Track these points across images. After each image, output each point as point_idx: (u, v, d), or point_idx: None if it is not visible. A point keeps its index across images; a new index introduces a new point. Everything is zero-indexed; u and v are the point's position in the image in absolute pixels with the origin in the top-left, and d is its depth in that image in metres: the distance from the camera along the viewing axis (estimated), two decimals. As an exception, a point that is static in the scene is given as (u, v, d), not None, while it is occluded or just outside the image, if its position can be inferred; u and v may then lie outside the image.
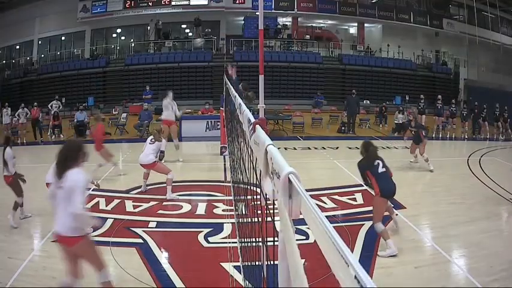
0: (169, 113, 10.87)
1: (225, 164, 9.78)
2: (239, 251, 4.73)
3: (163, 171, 7.60)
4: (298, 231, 2.65)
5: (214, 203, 7.27)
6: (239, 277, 4.54)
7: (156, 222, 6.41)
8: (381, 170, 5.61)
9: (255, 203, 2.62)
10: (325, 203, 7.36)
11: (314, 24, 25.99)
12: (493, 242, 5.67)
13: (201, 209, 7.08)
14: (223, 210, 6.91)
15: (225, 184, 8.22)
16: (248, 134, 2.38)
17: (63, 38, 24.85)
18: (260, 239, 2.35)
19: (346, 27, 26.77)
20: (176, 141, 10.88)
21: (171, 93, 11.20)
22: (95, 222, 4.09)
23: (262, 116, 3.07)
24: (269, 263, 2.19)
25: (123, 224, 6.31)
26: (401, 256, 5.27)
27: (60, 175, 3.71)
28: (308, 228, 1.22)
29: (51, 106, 16.54)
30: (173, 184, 7.61)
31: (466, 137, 15.73)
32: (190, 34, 24.63)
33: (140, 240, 5.74)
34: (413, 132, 10.19)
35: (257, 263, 2.67)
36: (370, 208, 7.04)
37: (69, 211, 3.57)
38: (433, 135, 15.68)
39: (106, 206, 7.23)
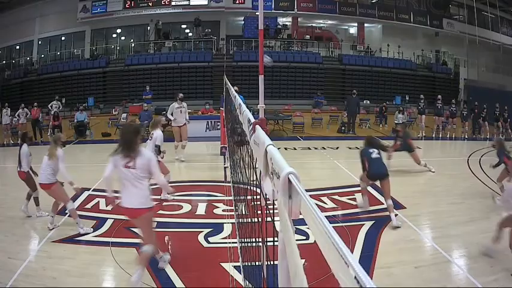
0: (181, 119, 10.78)
1: (224, 164, 9.78)
2: (239, 251, 4.73)
3: (162, 172, 7.49)
4: (298, 232, 2.65)
5: (214, 203, 7.27)
6: (239, 277, 4.54)
7: (156, 222, 6.40)
8: (375, 155, 6.63)
9: (255, 203, 2.62)
10: (325, 203, 7.36)
11: (314, 24, 25.99)
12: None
13: (201, 209, 7.08)
14: (223, 210, 6.92)
15: (225, 184, 8.21)
16: (248, 134, 2.38)
17: (63, 38, 24.85)
18: (260, 239, 2.35)
19: (346, 27, 26.77)
20: (185, 142, 10.75)
21: (182, 95, 11.10)
22: (173, 190, 5.41)
23: (262, 116, 3.07)
24: (269, 263, 2.19)
25: (123, 224, 6.30)
26: (401, 256, 5.28)
27: (129, 155, 4.27)
28: (308, 228, 1.23)
29: (51, 106, 16.53)
30: (174, 184, 7.59)
31: (466, 137, 15.72)
32: (190, 34, 24.64)
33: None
34: (401, 144, 9.65)
35: (257, 263, 2.67)
36: (370, 208, 7.08)
37: (143, 186, 4.31)
38: (433, 135, 15.69)
39: (106, 206, 7.22)
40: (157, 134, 7.21)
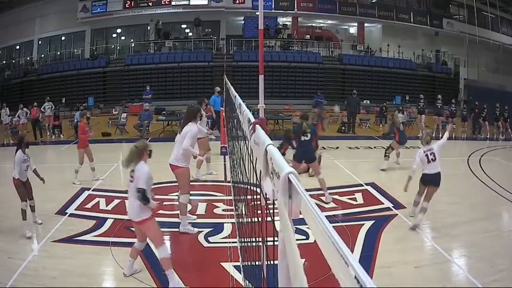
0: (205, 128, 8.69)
1: (225, 164, 9.78)
2: (239, 250, 4.74)
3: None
4: (298, 231, 2.65)
5: (214, 203, 7.27)
6: (239, 277, 4.54)
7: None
8: (303, 138, 7.40)
9: (255, 203, 2.62)
10: (325, 202, 7.36)
11: (314, 24, 25.98)
12: (493, 242, 5.67)
13: (201, 208, 7.08)
14: (223, 210, 6.92)
15: (225, 184, 8.21)
16: (248, 133, 2.38)
17: (63, 38, 24.84)
18: (260, 239, 2.35)
19: (346, 27, 26.75)
20: (210, 153, 9.07)
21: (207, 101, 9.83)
22: (197, 153, 6.35)
23: (262, 116, 3.07)
24: (269, 262, 2.19)
25: (123, 224, 6.30)
26: (402, 256, 5.28)
27: (181, 127, 6.09)
28: (308, 228, 1.23)
29: (44, 108, 16.35)
30: (174, 184, 7.51)
31: (466, 136, 15.73)
32: (190, 34, 24.64)
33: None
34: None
35: (257, 262, 2.67)
36: (370, 208, 7.09)
37: (182, 147, 5.79)
38: (433, 135, 15.66)
39: (106, 206, 7.24)
40: (143, 170, 4.49)
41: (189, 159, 6.02)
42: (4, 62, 24.86)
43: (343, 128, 15.98)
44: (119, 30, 25.01)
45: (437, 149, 6.45)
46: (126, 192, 7.80)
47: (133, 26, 24.47)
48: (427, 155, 6.37)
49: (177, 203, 7.22)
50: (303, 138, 7.39)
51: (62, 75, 21.95)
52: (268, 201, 1.73)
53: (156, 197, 7.48)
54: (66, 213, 6.83)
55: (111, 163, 10.38)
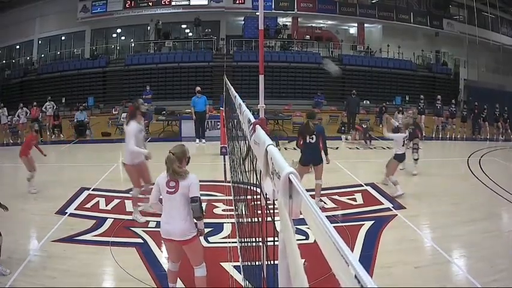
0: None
1: (225, 164, 9.78)
2: (239, 251, 4.74)
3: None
4: (298, 231, 2.66)
5: (214, 203, 7.27)
6: (239, 277, 4.54)
7: (156, 222, 6.39)
8: (308, 139, 6.84)
9: (255, 203, 2.63)
10: (325, 203, 7.36)
11: (314, 25, 25.99)
12: (493, 242, 5.67)
13: (201, 209, 7.07)
14: (223, 210, 6.92)
15: (225, 184, 8.21)
16: (248, 134, 2.38)
17: (63, 38, 24.84)
18: (260, 239, 2.35)
19: (346, 28, 26.76)
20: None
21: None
22: (146, 152, 6.16)
23: (262, 116, 3.08)
24: (269, 263, 2.19)
25: (123, 224, 6.31)
26: (402, 256, 5.28)
27: None
28: (308, 228, 1.23)
29: (45, 108, 16.35)
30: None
31: (465, 136, 15.74)
32: (190, 34, 24.64)
33: (140, 240, 5.74)
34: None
35: (257, 263, 2.67)
36: (370, 208, 7.09)
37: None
38: (433, 136, 15.69)
39: (106, 205, 7.23)
40: (191, 177, 4.23)
41: (139, 157, 6.26)
42: (4, 61, 24.85)
43: (343, 128, 15.98)
44: (119, 30, 25.01)
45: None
46: (125, 192, 7.93)
47: (133, 26, 24.47)
48: (403, 140, 8.10)
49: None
50: (308, 139, 6.83)
51: (62, 75, 21.95)
52: (268, 201, 1.73)
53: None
54: (66, 212, 6.83)
55: (111, 163, 10.38)
